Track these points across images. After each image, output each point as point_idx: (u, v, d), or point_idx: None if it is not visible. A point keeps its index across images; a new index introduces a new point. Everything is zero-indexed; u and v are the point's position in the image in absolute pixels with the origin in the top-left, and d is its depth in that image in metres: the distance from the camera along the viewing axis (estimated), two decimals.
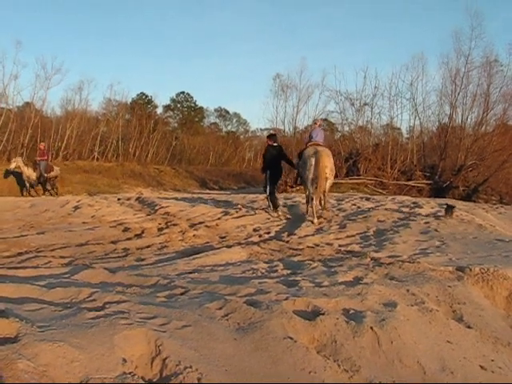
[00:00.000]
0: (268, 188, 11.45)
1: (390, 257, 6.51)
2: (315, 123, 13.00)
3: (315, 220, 9.84)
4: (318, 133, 11.33)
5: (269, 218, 10.59)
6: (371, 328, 3.56)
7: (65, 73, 58.03)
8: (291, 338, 3.31)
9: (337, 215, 11.07)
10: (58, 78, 47.61)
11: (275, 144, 11.88)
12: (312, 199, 10.17)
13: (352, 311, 3.94)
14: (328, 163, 10.12)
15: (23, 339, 3.04)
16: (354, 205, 13.30)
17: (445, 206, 11.44)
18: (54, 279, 5.01)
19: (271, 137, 12.33)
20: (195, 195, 19.67)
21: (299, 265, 6.02)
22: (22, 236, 8.38)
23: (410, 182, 27.78)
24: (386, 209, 12.13)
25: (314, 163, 9.99)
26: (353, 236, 8.54)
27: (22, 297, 4.25)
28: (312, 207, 10.17)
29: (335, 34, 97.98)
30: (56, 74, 45.86)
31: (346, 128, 36.03)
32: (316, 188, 10.06)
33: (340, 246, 7.69)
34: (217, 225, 9.57)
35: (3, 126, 42.72)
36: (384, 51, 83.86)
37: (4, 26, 71.40)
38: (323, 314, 3.73)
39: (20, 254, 6.95)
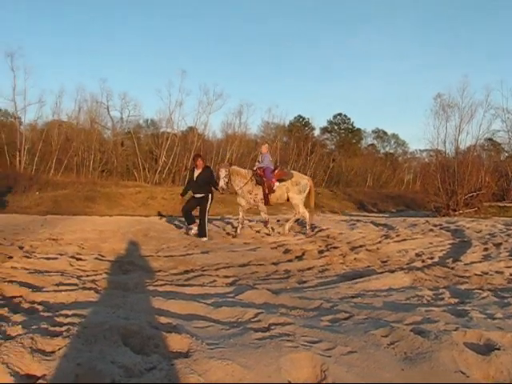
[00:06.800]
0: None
1: None
2: (266, 147, 12.86)
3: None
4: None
5: (431, 243, 10.19)
6: None
7: (225, 98, 61.33)
8: (463, 373, 3.13)
9: (506, 241, 10.38)
10: (219, 103, 50.30)
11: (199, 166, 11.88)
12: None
13: None
14: None
15: (194, 355, 3.17)
16: None
17: None
18: (219, 298, 5.19)
19: (195, 158, 12.35)
20: (353, 217, 19.50)
21: (467, 294, 5.70)
22: (188, 254, 8.79)
23: None
24: None
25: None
26: None
27: (190, 313, 4.46)
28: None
29: (501, 47, 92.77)
30: (217, 100, 48.59)
31: None
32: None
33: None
34: (378, 248, 9.37)
35: (169, 149, 45.73)
36: None
37: (171, 58, 76.88)
38: (498, 348, 3.46)
39: (186, 271, 7.28)
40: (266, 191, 11.82)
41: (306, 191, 12.24)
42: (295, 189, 12.05)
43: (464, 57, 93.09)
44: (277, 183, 11.84)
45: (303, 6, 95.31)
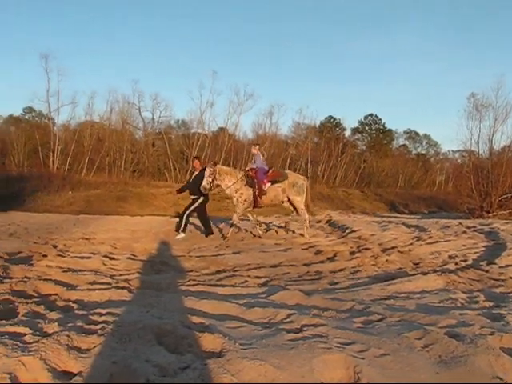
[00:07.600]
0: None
1: None
2: (256, 148, 12.30)
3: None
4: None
5: (465, 245, 10.01)
6: None
7: (256, 99, 61.36)
8: (500, 379, 3.08)
9: None
10: (249, 103, 50.34)
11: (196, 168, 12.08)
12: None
13: None
14: None
15: (227, 355, 3.19)
16: None
17: None
18: (251, 298, 5.20)
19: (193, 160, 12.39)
20: (385, 219, 19.33)
21: (503, 297, 5.59)
22: (219, 255, 8.83)
23: None
24: None
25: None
26: None
27: (222, 313, 4.48)
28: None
29: None
30: (248, 100, 48.64)
31: None
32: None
33: None
34: (410, 250, 9.23)
35: (200, 149, 45.89)
36: None
37: (202, 59, 77.44)
38: None
39: (218, 272, 7.30)
40: (257, 193, 11.39)
41: (305, 191, 11.93)
42: (293, 190, 11.74)
43: (499, 56, 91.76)
44: (268, 184, 11.43)
45: (341, 6, 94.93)
